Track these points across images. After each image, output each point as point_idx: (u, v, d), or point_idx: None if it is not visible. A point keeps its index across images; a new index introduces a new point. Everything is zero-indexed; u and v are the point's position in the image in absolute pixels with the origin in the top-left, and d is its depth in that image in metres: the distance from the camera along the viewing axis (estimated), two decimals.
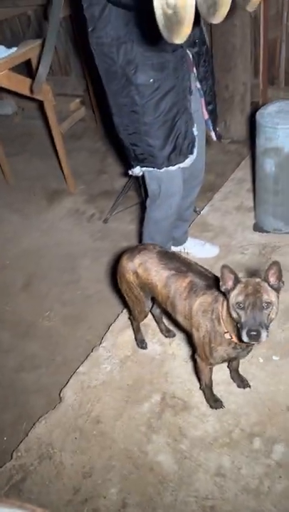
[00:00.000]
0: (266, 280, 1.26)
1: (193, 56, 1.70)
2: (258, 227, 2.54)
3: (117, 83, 1.64)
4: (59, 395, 1.90)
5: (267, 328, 1.22)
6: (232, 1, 0.83)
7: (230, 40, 3.00)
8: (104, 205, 3.08)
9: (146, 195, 2.02)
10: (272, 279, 1.26)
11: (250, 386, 1.77)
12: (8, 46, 2.67)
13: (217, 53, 3.14)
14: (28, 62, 2.81)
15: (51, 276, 2.61)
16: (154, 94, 1.62)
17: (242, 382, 1.77)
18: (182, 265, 1.59)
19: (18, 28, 4.12)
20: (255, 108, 3.07)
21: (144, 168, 1.83)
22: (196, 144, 1.82)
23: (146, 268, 1.62)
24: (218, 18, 0.82)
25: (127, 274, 1.67)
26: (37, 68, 2.41)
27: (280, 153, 2.17)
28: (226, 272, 1.27)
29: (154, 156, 1.75)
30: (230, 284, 1.28)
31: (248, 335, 1.20)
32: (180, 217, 2.26)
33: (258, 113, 2.22)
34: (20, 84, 2.66)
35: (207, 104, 1.89)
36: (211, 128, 1.99)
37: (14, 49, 2.62)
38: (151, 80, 1.59)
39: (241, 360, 1.74)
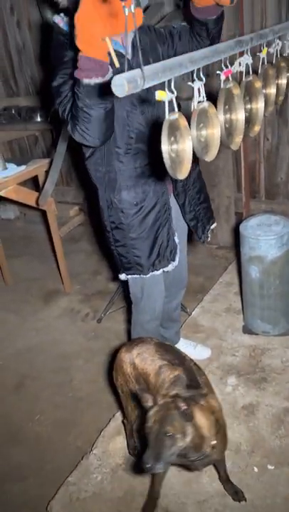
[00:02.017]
0: (178, 407, 1.27)
1: (171, 179, 1.90)
2: (247, 329, 2.64)
3: (104, 204, 1.83)
4: (46, 508, 1.80)
5: (167, 459, 1.22)
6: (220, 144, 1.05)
7: (214, 161, 3.39)
8: (99, 304, 3.19)
9: (131, 301, 2.12)
10: (182, 405, 1.27)
11: (245, 499, 1.70)
12: (18, 164, 3.01)
13: (203, 172, 3.52)
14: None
15: (44, 377, 2.60)
16: (138, 214, 1.80)
17: (236, 495, 1.71)
18: (176, 358, 1.65)
19: (26, 145, 4.63)
20: (240, 218, 3.37)
21: (129, 276, 1.96)
22: (178, 250, 1.97)
23: (144, 358, 1.68)
24: (210, 157, 1.03)
25: (124, 366, 1.72)
26: (43, 184, 2.71)
27: (263, 260, 2.36)
28: (142, 393, 1.35)
29: (141, 265, 1.90)
30: (150, 402, 1.33)
31: (141, 463, 1.22)
32: (169, 318, 2.36)
33: (241, 225, 2.46)
34: (27, 196, 2.93)
35: (188, 213, 2.04)
36: (197, 232, 2.10)
37: (23, 167, 2.94)
38: (134, 203, 1.79)
39: (235, 470, 1.71)
